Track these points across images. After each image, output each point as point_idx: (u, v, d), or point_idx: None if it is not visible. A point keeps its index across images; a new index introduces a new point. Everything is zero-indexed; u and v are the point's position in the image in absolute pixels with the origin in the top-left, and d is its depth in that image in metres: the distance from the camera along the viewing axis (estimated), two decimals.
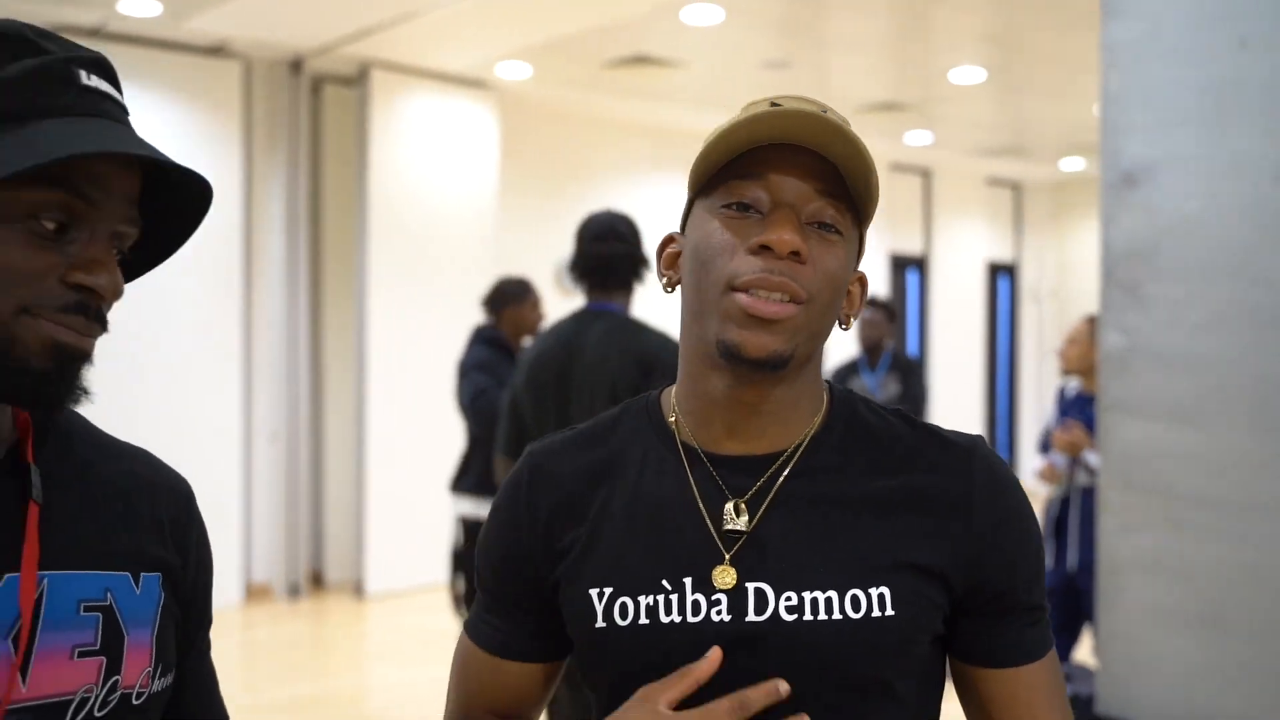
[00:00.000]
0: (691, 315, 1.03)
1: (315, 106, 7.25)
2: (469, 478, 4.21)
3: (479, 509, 4.13)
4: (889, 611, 0.98)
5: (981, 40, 6.73)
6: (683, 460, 1.05)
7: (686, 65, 7.08)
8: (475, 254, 7.31)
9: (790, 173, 1.00)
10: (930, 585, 1.00)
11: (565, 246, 8.85)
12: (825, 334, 1.03)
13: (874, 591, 0.98)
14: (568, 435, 1.14)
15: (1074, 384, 4.42)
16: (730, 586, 0.99)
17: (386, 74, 6.97)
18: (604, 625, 1.02)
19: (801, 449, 1.04)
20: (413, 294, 7.08)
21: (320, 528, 7.37)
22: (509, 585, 1.11)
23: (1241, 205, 2.24)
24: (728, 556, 1.00)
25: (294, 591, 7.09)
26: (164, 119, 6.48)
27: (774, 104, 1.01)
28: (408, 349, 7.02)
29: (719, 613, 0.99)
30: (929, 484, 1.03)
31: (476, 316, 6.56)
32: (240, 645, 6.23)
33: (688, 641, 0.98)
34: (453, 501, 4.25)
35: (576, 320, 3.08)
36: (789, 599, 0.98)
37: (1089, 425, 3.91)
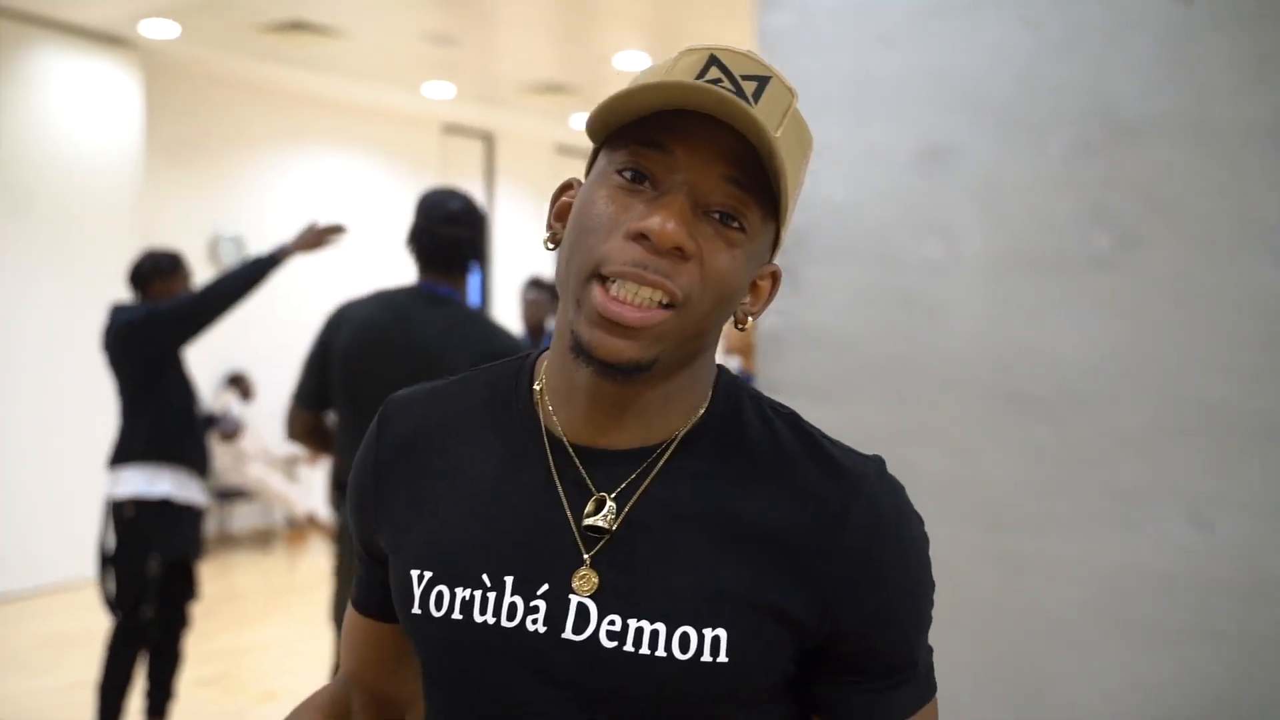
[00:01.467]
0: (560, 287, 0.90)
1: None
2: (138, 443, 3.81)
3: (145, 486, 3.76)
4: (721, 658, 0.85)
5: (643, 26, 6.87)
6: (543, 444, 0.93)
7: (347, 34, 6.83)
8: (116, 227, 6.78)
9: (700, 148, 0.85)
10: (780, 631, 0.87)
11: (219, 218, 8.38)
12: (706, 336, 0.90)
13: (709, 633, 0.86)
14: (429, 388, 1.03)
15: (735, 363, 4.59)
16: (590, 592, 0.87)
17: (9, 24, 6.33)
18: (419, 612, 0.93)
19: (670, 449, 0.91)
20: (41, 269, 6.49)
21: None
22: (360, 533, 1.03)
23: (881, 192, 2.36)
24: (588, 558, 0.88)
25: None
26: None
27: (714, 59, 0.87)
28: (34, 328, 6.44)
29: (535, 622, 0.88)
30: (799, 511, 0.89)
31: (119, 293, 6.09)
32: None
33: (496, 649, 0.89)
34: (109, 482, 3.82)
35: (412, 298, 2.95)
36: (612, 622, 0.87)
37: None
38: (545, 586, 0.89)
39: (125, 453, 3.81)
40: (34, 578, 6.49)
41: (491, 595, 0.90)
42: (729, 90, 0.84)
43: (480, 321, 2.98)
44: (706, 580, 0.87)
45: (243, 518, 7.93)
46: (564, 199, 0.96)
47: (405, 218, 3.14)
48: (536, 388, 0.96)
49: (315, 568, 7.17)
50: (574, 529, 0.89)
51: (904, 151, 2.31)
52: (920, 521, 0.93)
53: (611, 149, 0.89)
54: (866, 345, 2.61)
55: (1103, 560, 2.15)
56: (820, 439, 0.94)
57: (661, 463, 0.91)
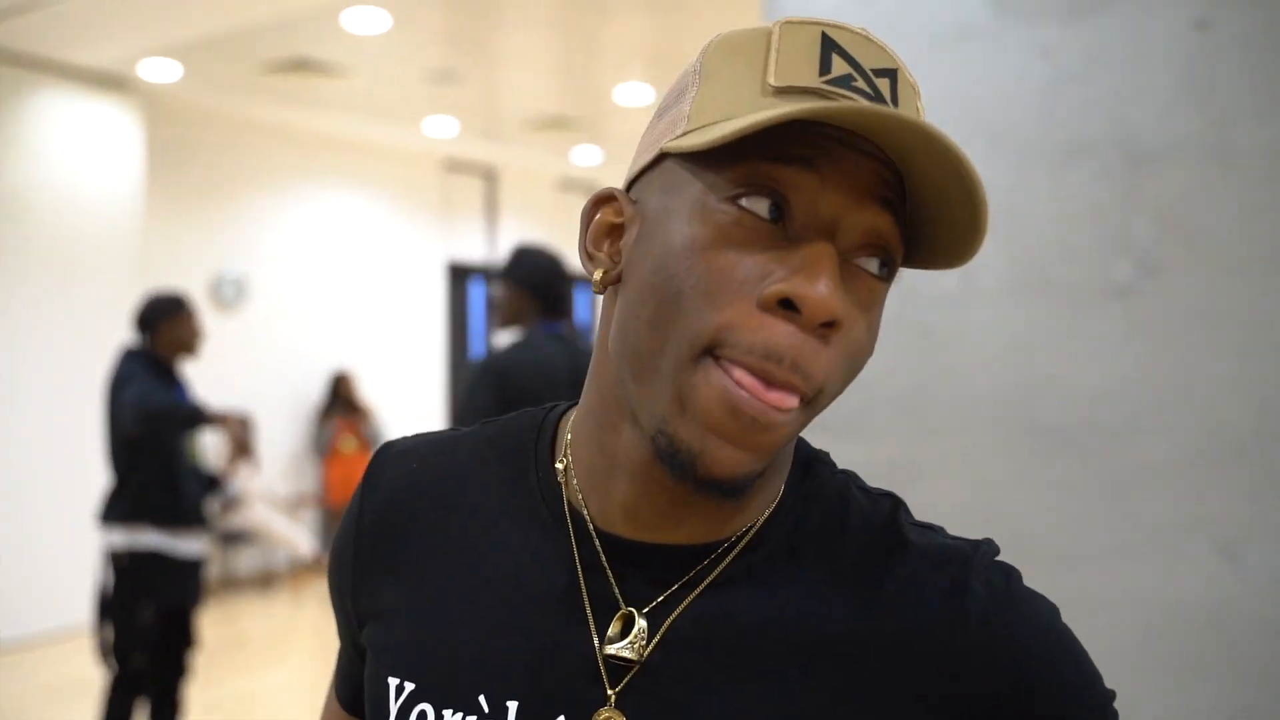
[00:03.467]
0: (630, 356, 0.66)
1: None
2: (122, 503, 3.81)
3: (134, 538, 3.76)
4: None
5: (646, 60, 6.88)
6: (568, 532, 0.73)
7: (349, 72, 6.84)
8: (117, 269, 6.77)
9: (851, 175, 0.63)
10: None
11: (221, 259, 8.39)
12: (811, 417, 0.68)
13: None
14: (430, 442, 0.83)
15: None
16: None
17: (9, 69, 6.33)
18: None
19: (740, 545, 0.70)
20: (42, 311, 6.46)
21: None
22: (339, 614, 0.84)
23: None
24: (613, 695, 0.67)
25: None
26: None
27: (830, 42, 0.65)
28: (36, 370, 6.40)
29: None
30: (900, 616, 0.68)
31: (121, 334, 6.04)
32: None
33: None
34: (102, 534, 3.83)
35: (558, 337, 3.34)
36: None
37: None
38: (613, 697, 0.68)
39: (111, 512, 3.81)
40: (38, 623, 6.43)
41: None
42: (867, 94, 0.64)
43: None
44: (777, 710, 0.66)
45: (245, 560, 7.87)
46: (603, 217, 0.71)
47: (406, 255, 3.30)
48: (560, 465, 0.75)
49: (320, 610, 7.11)
50: (598, 653, 0.68)
51: None
52: (1053, 606, 0.72)
53: (703, 163, 0.64)
54: (885, 378, 2.57)
55: (1132, 594, 2.11)
56: (927, 529, 0.74)
57: (721, 566, 0.70)
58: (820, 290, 0.60)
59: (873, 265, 0.65)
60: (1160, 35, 2.05)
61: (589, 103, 7.94)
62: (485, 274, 9.95)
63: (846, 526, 0.72)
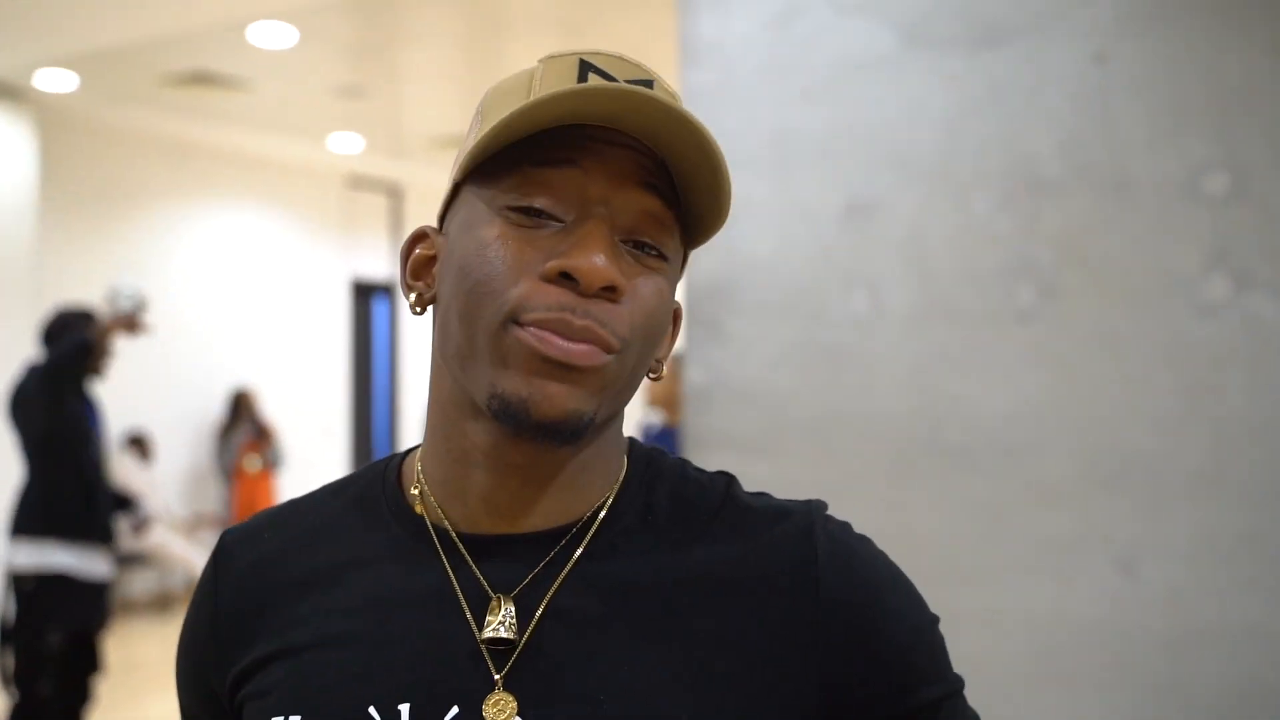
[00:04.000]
0: (453, 350, 0.74)
1: None
2: (33, 515, 3.63)
3: (43, 559, 3.59)
4: None
5: None
6: (431, 541, 0.77)
7: (253, 86, 6.74)
8: (11, 283, 6.57)
9: (611, 162, 0.71)
10: (769, 704, 0.72)
11: (119, 272, 8.20)
12: (634, 389, 0.76)
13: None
14: (272, 515, 0.85)
15: (656, 418, 4.58)
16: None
17: None
18: None
19: (595, 525, 0.77)
20: None
21: None
22: (196, 708, 0.84)
23: (806, 246, 2.37)
24: (499, 679, 0.71)
25: None
26: None
27: (587, 65, 0.74)
28: None
29: None
30: (757, 563, 0.76)
31: (17, 350, 5.87)
32: None
33: None
34: (9, 551, 3.65)
35: None
36: None
37: None
38: (454, 712, 0.70)
39: (20, 525, 3.65)
40: None
41: None
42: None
43: None
44: (654, 676, 0.71)
45: (140, 583, 7.67)
46: (420, 251, 0.80)
47: (309, 271, 3.20)
48: (414, 491, 0.79)
49: None
50: (479, 641, 0.72)
51: (828, 206, 2.32)
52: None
53: (486, 182, 0.74)
54: (794, 399, 2.60)
55: (1034, 610, 2.17)
56: (760, 495, 0.82)
57: (582, 544, 0.75)
58: (593, 261, 0.69)
59: (639, 246, 0.73)
60: (1060, 67, 2.12)
61: None
62: (389, 291, 9.85)
63: (691, 498, 0.79)
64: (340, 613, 0.76)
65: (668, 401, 4.32)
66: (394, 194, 9.83)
